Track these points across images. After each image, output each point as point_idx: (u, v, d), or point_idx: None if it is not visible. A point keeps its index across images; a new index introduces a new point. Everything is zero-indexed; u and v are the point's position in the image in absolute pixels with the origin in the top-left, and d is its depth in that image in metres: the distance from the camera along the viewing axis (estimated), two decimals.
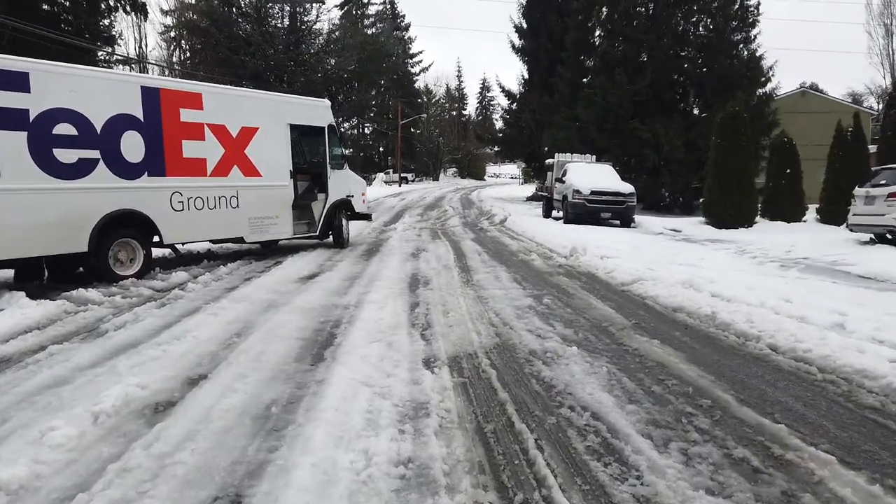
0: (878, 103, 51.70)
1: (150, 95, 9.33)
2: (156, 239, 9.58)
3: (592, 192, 18.40)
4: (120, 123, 8.92)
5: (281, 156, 11.53)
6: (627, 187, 18.97)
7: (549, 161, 24.68)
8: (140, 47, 38.41)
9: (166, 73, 36.27)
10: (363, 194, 13.98)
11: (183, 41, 41.87)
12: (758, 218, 18.39)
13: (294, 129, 11.82)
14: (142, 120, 9.18)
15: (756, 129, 22.45)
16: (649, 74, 26.50)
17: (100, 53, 27.98)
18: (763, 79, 27.50)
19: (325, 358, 5.01)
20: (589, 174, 19.68)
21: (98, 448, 3.35)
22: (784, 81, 27.57)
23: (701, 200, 26.00)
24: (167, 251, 10.58)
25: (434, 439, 3.35)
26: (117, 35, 26.67)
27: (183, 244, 10.73)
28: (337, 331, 5.90)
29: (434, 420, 3.61)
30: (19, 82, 7.75)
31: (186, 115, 9.83)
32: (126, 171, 9.02)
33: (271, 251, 12.19)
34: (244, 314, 6.69)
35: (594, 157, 24.12)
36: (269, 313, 6.70)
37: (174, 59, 41.70)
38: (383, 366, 4.68)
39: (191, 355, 5.12)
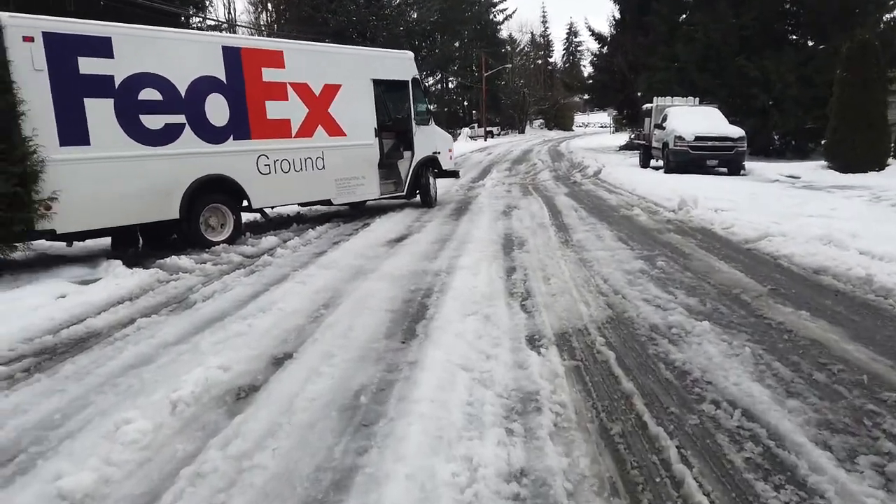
0: None
1: (232, 56, 9.05)
2: (245, 203, 9.45)
3: (696, 138, 16.88)
4: (203, 86, 8.72)
5: (365, 113, 11.09)
6: (736, 131, 17.28)
7: (646, 106, 23.00)
8: (229, 12, 39.11)
9: (254, 35, 36.74)
10: (450, 150, 13.38)
11: (269, 3, 42.20)
12: (890, 160, 16.27)
13: (377, 84, 11.32)
14: (225, 82, 8.94)
15: (884, 61, 19.84)
16: (757, 4, 23.92)
17: (191, 20, 28.54)
18: (892, 2, 24.23)
19: (416, 334, 4.54)
20: (692, 118, 18.06)
21: (173, 445, 3.03)
22: None
23: (818, 143, 23.65)
24: (258, 216, 10.48)
25: (550, 444, 2.79)
26: (207, 1, 27.04)
27: (272, 208, 10.61)
28: (428, 301, 5.42)
29: (547, 417, 3.04)
30: (102, 48, 7.62)
31: (268, 74, 9.51)
32: (212, 135, 8.85)
33: (359, 212, 11.90)
34: (332, 282, 6.35)
35: (697, 99, 22.20)
36: (357, 281, 6.32)
37: (261, 22, 42.20)
38: (482, 345, 4.15)
39: (276, 330, 4.80)
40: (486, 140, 51.49)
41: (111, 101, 7.74)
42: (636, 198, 12.27)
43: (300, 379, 3.79)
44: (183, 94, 8.46)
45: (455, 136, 49.01)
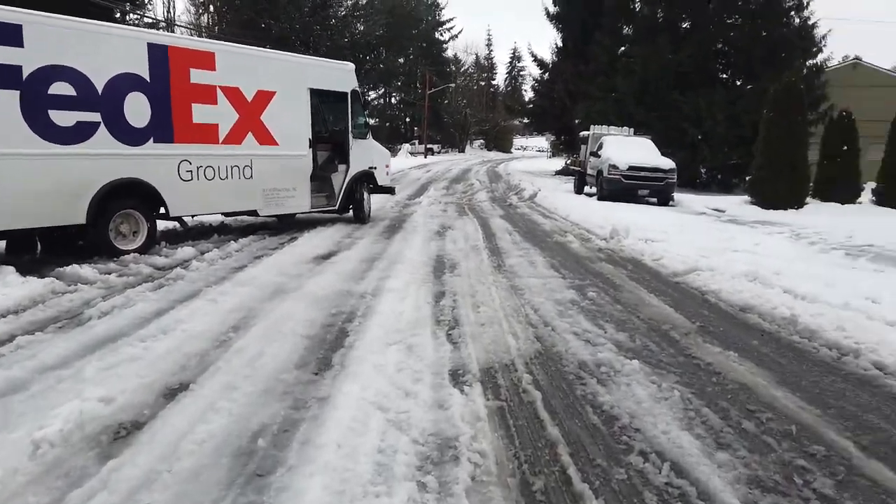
0: None
1: (158, 53, 8.47)
2: (162, 211, 8.84)
3: (630, 168, 17.23)
4: (124, 84, 8.10)
5: (300, 123, 10.66)
6: (667, 163, 17.74)
7: (583, 133, 23.43)
8: (168, 11, 37.73)
9: (193, 37, 35.45)
10: (387, 166, 13.08)
11: (211, 5, 40.96)
12: (808, 198, 17.07)
13: (315, 94, 10.92)
14: (148, 81, 8.35)
15: (807, 104, 20.98)
16: (693, 43, 24.92)
17: (128, 16, 27.28)
18: (815, 49, 25.77)
19: (332, 364, 4.18)
20: (626, 148, 18.46)
21: (24, 499, 2.56)
22: (827, 54, 25.63)
23: (741, 178, 24.69)
24: (176, 224, 9.82)
25: (465, 503, 2.50)
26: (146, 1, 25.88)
27: (192, 217, 9.99)
28: (350, 327, 5.07)
29: (465, 469, 2.75)
30: (11, 36, 6.94)
31: (197, 76, 8.97)
32: (130, 136, 8.22)
33: (287, 225, 11.38)
34: (247, 301, 5.89)
35: (631, 130, 22.79)
36: (275, 301, 5.89)
37: (202, 24, 40.87)
38: (402, 379, 3.84)
39: (176, 355, 4.34)
40: (426, 157, 51.47)
41: (17, 93, 7.06)
42: (570, 224, 12.29)
43: (193, 415, 3.37)
44: (100, 91, 7.83)
45: (395, 152, 48.80)
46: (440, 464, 2.83)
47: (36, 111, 7.24)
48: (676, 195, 17.83)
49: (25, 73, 7.12)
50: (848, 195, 17.00)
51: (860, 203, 17.19)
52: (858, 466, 2.82)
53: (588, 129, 22.78)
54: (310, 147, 10.86)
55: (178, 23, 37.50)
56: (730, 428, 3.19)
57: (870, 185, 17.44)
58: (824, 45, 25.79)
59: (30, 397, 3.62)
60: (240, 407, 3.49)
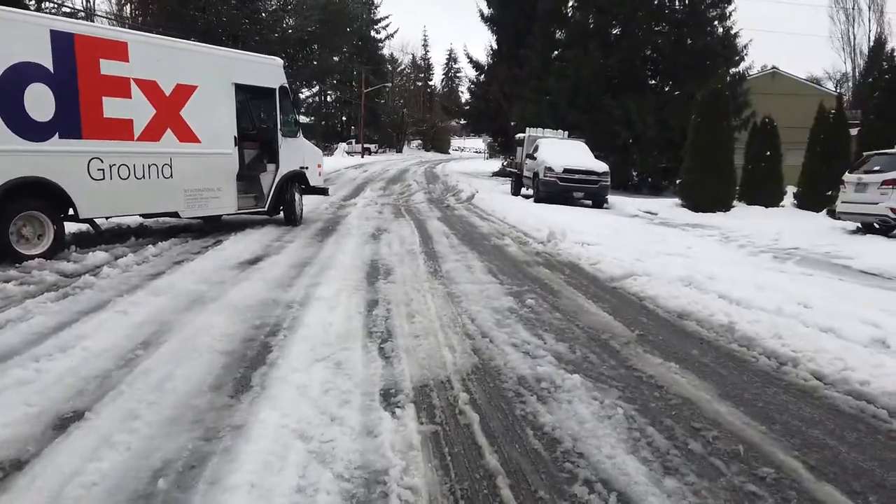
0: (837, 88, 52.00)
1: (62, 42, 7.78)
2: (70, 212, 8.13)
3: (565, 170, 17.37)
4: (23, 74, 7.39)
5: (224, 119, 10.09)
6: (601, 166, 17.99)
7: (519, 136, 23.53)
8: (87, 1, 35.66)
9: (115, 27, 33.54)
10: (319, 166, 12.61)
11: None
12: (735, 202, 17.67)
13: (240, 89, 10.38)
14: (51, 71, 7.65)
15: (732, 110, 21.78)
16: (623, 49, 25.47)
17: (43, 4, 25.55)
18: (737, 57, 26.85)
19: (251, 386, 3.80)
20: (561, 151, 18.62)
21: None
22: (748, 62, 26.86)
23: (671, 181, 25.42)
24: (88, 226, 9.08)
25: None
26: None
27: (106, 219, 9.28)
28: (273, 341, 4.68)
29: None
30: None
31: (108, 67, 8.30)
32: (31, 131, 7.52)
33: (213, 228, 10.77)
34: (161, 312, 5.40)
35: (566, 133, 23.05)
36: (192, 312, 5.43)
37: (125, 14, 38.80)
38: (327, 402, 3.50)
39: (72, 378, 3.85)
40: (363, 157, 50.82)
41: None
42: (507, 226, 12.18)
43: (84, 451, 2.94)
44: None
45: (331, 151, 47.94)
46: (366, 503, 2.53)
47: None
48: (610, 198, 18.10)
49: None
50: (772, 199, 17.68)
51: (783, 206, 17.91)
52: (810, 490, 2.70)
53: (524, 132, 22.89)
54: (235, 145, 10.31)
55: (98, 13, 35.53)
56: (676, 450, 3.03)
57: (791, 189, 18.20)
58: (745, 54, 26.97)
59: None
60: (140, 440, 3.08)
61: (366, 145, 56.99)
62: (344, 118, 68.78)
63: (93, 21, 30.88)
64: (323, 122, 61.14)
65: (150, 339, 4.69)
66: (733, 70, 26.67)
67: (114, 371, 4.01)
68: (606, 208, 17.29)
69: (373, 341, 4.70)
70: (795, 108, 28.47)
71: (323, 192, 12.86)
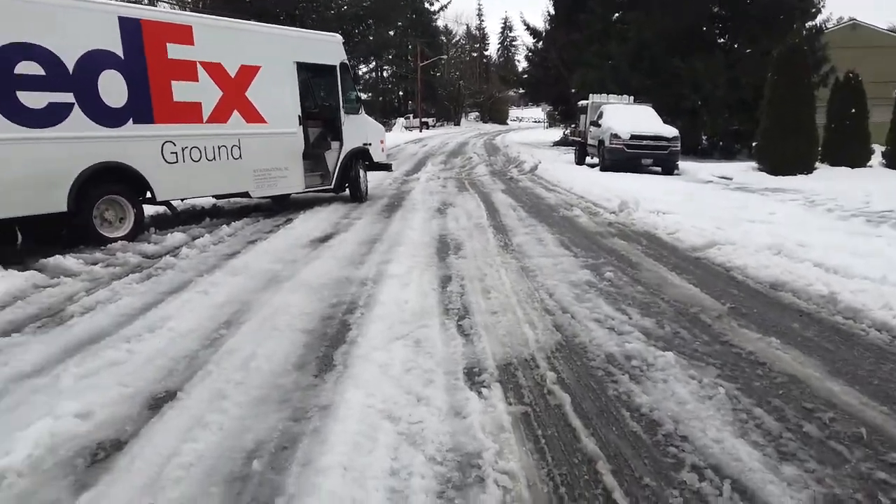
0: None
1: (131, 28, 7.93)
2: (148, 195, 8.38)
3: (632, 137, 16.74)
4: (97, 61, 7.58)
5: (288, 99, 10.14)
6: (671, 130, 17.25)
7: (581, 103, 22.83)
8: None
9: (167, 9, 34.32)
10: (382, 142, 12.57)
11: None
12: (818, 163, 16.62)
13: (302, 68, 10.38)
14: (122, 57, 7.82)
15: (811, 66, 20.41)
16: (688, 7, 24.18)
17: None
18: (813, 10, 25.07)
19: (334, 364, 3.78)
20: (627, 117, 17.93)
21: None
22: (825, 14, 25.08)
23: (744, 144, 24.20)
24: (165, 208, 9.36)
25: None
26: None
27: (181, 200, 9.53)
28: (351, 319, 4.67)
29: (493, 496, 2.37)
30: None
31: (175, 51, 8.43)
32: (107, 117, 7.73)
33: (282, 206, 10.93)
34: (239, 292, 5.48)
35: (631, 98, 22.18)
36: (269, 291, 5.48)
37: (188, 2, 39.71)
38: (411, 381, 3.44)
39: (162, 359, 3.93)
40: (420, 131, 50.73)
41: None
42: (575, 197, 11.85)
43: (179, 431, 2.98)
44: (71, 70, 7.31)
45: (389, 127, 48.00)
46: (463, 488, 2.45)
47: (3, 93, 6.73)
48: (680, 164, 17.37)
49: None
50: (858, 158, 16.56)
51: (871, 166, 16.76)
52: None
53: (587, 99, 22.19)
54: (300, 124, 10.36)
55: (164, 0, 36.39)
56: (790, 433, 2.81)
57: (879, 148, 16.98)
58: (822, 6, 25.12)
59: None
60: (232, 419, 3.10)
61: (423, 119, 56.85)
62: (401, 93, 68.70)
63: (156, 5, 31.69)
64: (380, 98, 61.27)
65: (232, 318, 4.75)
66: (809, 24, 24.97)
67: (200, 351, 4.08)
68: (677, 175, 16.61)
69: (450, 318, 4.61)
70: (879, 62, 26.53)
71: (386, 167, 12.83)
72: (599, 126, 18.16)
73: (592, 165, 18.89)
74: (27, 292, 5.70)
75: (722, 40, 26.73)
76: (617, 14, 28.30)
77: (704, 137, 26.25)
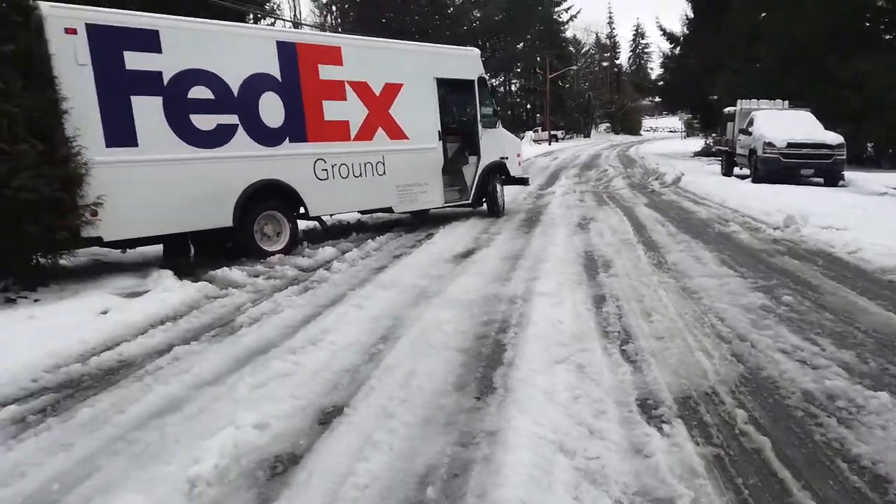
0: None
1: (287, 51, 8.43)
2: (301, 211, 8.83)
3: (790, 145, 15.37)
4: (257, 84, 8.13)
5: (428, 115, 10.33)
6: (834, 137, 15.64)
7: (728, 110, 21.38)
8: (294, 15, 39.34)
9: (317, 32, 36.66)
10: (518, 155, 12.46)
11: (333, 5, 42.27)
12: None
13: (441, 83, 10.52)
14: (279, 80, 8.33)
15: None
16: (849, 1, 21.91)
17: (260, 21, 28.57)
18: None
19: (494, 387, 3.66)
20: (782, 123, 16.51)
21: None
22: None
23: None
24: (316, 223, 9.82)
25: None
26: (275, 6, 26.94)
27: (330, 216, 9.97)
28: (505, 339, 4.54)
29: None
30: (150, 41, 7.09)
31: (326, 72, 8.85)
32: (266, 137, 8.25)
33: (422, 221, 11.11)
34: (391, 307, 5.55)
35: (786, 102, 20.45)
36: (419, 307, 5.50)
37: (326, 24, 42.32)
38: (580, 411, 3.23)
39: (327, 372, 4.02)
40: (550, 144, 50.20)
41: (159, 98, 7.21)
42: (729, 211, 11.01)
43: (350, 450, 2.98)
44: (235, 93, 7.89)
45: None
46: None
47: (178, 116, 7.38)
48: (846, 174, 15.69)
49: (166, 79, 7.25)
50: None
51: None
52: None
53: (733, 105, 20.74)
54: (439, 139, 10.51)
55: (305, 23, 39.02)
56: None
57: None
58: None
59: (184, 419, 3.42)
60: (400, 440, 3.06)
61: (552, 132, 56.24)
62: (528, 106, 68.51)
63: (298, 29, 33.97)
64: (509, 112, 61.46)
65: (388, 333, 4.80)
66: None
67: (361, 366, 4.12)
68: (842, 186, 15.01)
69: (611, 342, 4.34)
70: None
71: (523, 182, 12.69)
72: (750, 134, 16.87)
73: (742, 177, 17.59)
74: (200, 302, 6.15)
75: (889, 36, 24.01)
76: (763, 14, 26.34)
77: (870, 145, 23.63)
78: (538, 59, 60.00)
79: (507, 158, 11.88)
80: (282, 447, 3.07)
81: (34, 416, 3.59)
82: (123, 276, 7.12)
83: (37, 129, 6.19)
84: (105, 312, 5.65)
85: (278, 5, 32.63)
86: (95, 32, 6.58)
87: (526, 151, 36.03)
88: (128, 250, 8.17)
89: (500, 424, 3.15)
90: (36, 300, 6.24)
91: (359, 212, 10.63)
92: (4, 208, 5.96)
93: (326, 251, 8.38)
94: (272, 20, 25.22)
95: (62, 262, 7.12)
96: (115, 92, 6.81)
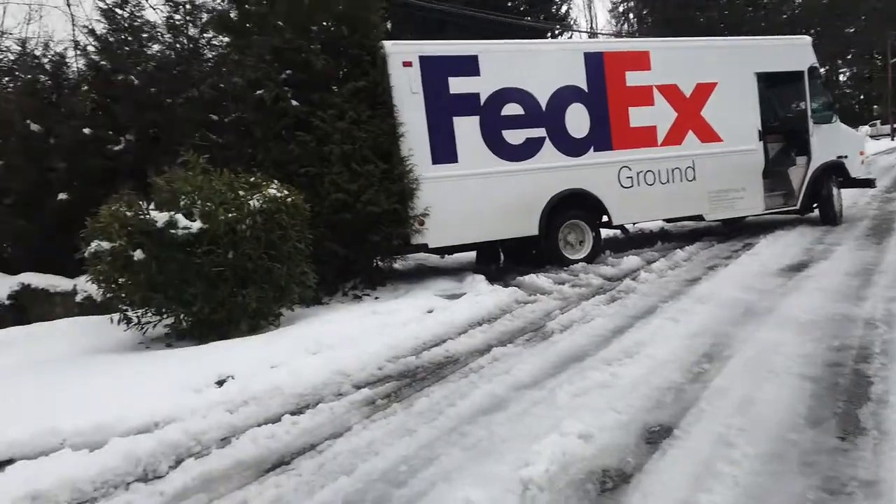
0: None
1: (594, 62, 8.41)
2: (604, 219, 8.70)
3: None
4: (564, 97, 8.27)
5: (746, 113, 9.36)
6: None
7: None
8: (591, 27, 39.73)
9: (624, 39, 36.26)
10: (861, 153, 10.54)
11: (630, 13, 41.53)
12: None
13: (762, 78, 9.42)
14: (586, 90, 8.36)
15: None
16: None
17: (559, 36, 29.45)
18: None
19: (862, 427, 3.02)
20: None
21: None
22: None
23: None
24: (617, 232, 9.62)
25: None
26: (572, 21, 27.49)
27: (633, 224, 9.65)
28: (868, 369, 3.75)
29: None
30: (470, 66, 7.72)
31: (632, 78, 8.61)
32: (571, 147, 8.34)
33: (735, 230, 10.07)
34: (712, 322, 5.06)
35: None
36: (748, 325, 4.90)
37: (622, 32, 41.73)
38: None
39: (646, 388, 3.78)
40: (892, 139, 41.87)
41: (476, 118, 7.79)
42: None
43: (688, 477, 2.70)
44: (543, 107, 8.15)
45: None
46: None
47: (492, 133, 7.88)
48: None
49: (483, 99, 7.79)
50: None
51: None
52: None
53: None
54: (759, 140, 9.41)
55: (601, 33, 38.99)
56: None
57: None
58: None
59: (508, 419, 3.52)
60: (746, 474, 2.68)
61: (895, 125, 46.73)
62: (861, 97, 58.05)
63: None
64: (836, 105, 52.84)
65: (711, 352, 4.36)
66: None
67: (685, 385, 3.79)
68: None
69: None
70: None
71: (867, 184, 10.66)
72: None
73: None
74: (511, 307, 6.41)
75: None
76: None
77: None
78: (875, 41, 50.44)
79: (845, 157, 10.14)
80: (609, 462, 2.93)
81: (382, 401, 4.06)
82: (443, 279, 7.84)
83: (379, 151, 7.18)
84: (431, 311, 6.25)
85: (575, 20, 33.20)
86: (427, 63, 7.40)
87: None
88: (445, 256, 8.97)
89: (881, 475, 2.56)
90: (376, 297, 7.22)
91: (663, 220, 10.07)
92: (356, 220, 7.02)
93: (631, 260, 8.10)
94: (569, 34, 25.71)
95: (395, 265, 8.15)
96: (441, 114, 7.55)
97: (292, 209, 6.06)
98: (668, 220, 10.10)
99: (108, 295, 5.49)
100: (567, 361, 4.45)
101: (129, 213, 5.27)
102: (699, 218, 9.35)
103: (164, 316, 5.67)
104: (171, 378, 4.42)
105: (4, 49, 10.89)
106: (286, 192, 6.07)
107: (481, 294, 6.81)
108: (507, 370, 4.37)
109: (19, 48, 10.64)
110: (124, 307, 5.59)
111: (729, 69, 9.15)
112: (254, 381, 4.34)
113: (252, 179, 6.16)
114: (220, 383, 4.38)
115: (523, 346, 4.97)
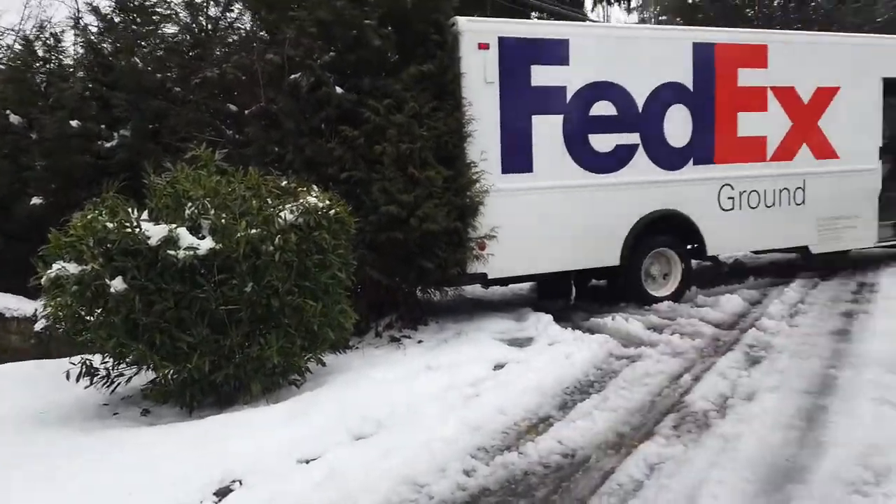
0: None
1: (703, 55, 6.88)
2: (693, 247, 7.11)
3: None
4: (665, 96, 6.73)
5: (868, 126, 7.81)
6: None
7: None
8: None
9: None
10: None
11: None
12: None
13: (889, 85, 7.89)
14: (691, 90, 6.81)
15: None
16: None
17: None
18: None
19: None
20: None
21: None
22: None
23: None
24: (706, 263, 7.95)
25: None
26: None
27: (727, 256, 8.07)
28: None
29: None
30: (558, 53, 6.20)
31: (746, 77, 7.07)
32: (668, 159, 6.80)
33: (822, 262, 8.24)
34: None
35: None
36: None
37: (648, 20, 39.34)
38: None
39: None
40: None
41: (560, 117, 6.26)
42: None
43: None
44: (640, 108, 6.60)
45: None
46: None
47: (576, 136, 6.36)
48: None
49: (569, 95, 6.28)
50: None
51: None
52: None
53: None
54: (879, 158, 7.88)
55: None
56: None
57: None
58: None
59: None
60: None
61: None
62: None
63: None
64: None
65: None
66: None
67: None
68: None
69: None
70: None
71: None
72: None
73: None
74: (610, 363, 4.93)
75: None
76: None
77: None
78: None
79: None
80: None
81: None
82: (496, 316, 6.30)
83: (442, 153, 5.66)
84: (501, 367, 4.76)
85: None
86: (507, 46, 5.88)
87: None
88: (491, 287, 7.34)
89: None
90: (419, 341, 5.69)
91: (754, 252, 8.42)
92: (408, 239, 5.48)
93: (731, 301, 6.55)
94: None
95: (436, 297, 6.57)
96: (519, 111, 6.04)
97: (336, 225, 4.52)
98: (759, 252, 8.45)
99: (73, 335, 3.91)
100: (773, 477, 2.90)
101: (109, 225, 3.68)
102: (805, 249, 7.75)
103: (145, 369, 4.09)
104: (148, 483, 2.86)
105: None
106: (329, 202, 4.53)
107: (559, 342, 5.28)
108: (684, 493, 2.81)
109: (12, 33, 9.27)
110: (87, 357, 4.03)
111: (853, 72, 7.61)
112: (275, 492, 2.80)
113: (283, 184, 4.63)
114: (223, 494, 2.82)
115: (680, 443, 3.38)
